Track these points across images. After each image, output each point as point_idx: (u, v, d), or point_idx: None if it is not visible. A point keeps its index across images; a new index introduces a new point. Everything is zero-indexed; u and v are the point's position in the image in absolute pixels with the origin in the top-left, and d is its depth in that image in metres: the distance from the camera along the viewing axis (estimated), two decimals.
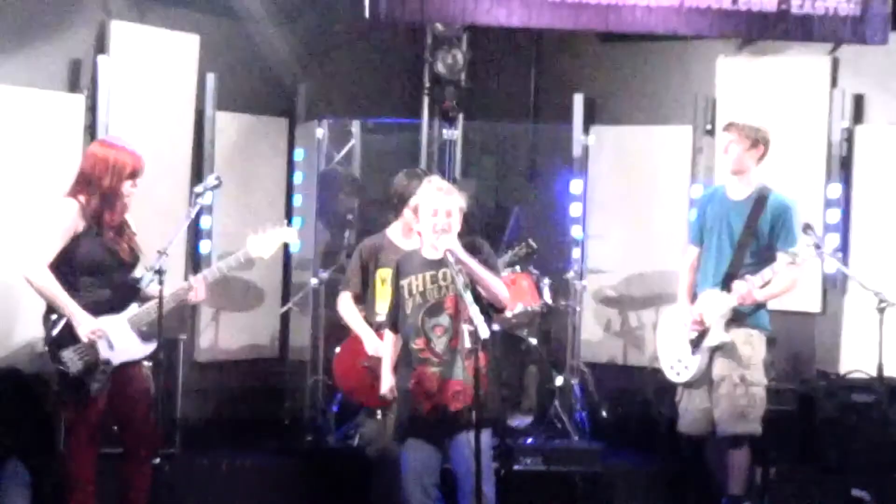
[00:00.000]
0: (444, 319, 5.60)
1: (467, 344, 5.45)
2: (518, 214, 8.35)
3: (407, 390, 5.66)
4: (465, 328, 5.45)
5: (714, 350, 6.44)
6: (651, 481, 7.31)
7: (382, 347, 6.00)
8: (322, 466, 7.12)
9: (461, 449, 5.51)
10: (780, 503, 7.11)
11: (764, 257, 6.37)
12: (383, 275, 6.29)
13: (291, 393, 8.03)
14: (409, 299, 5.66)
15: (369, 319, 6.39)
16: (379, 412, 6.30)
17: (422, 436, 5.64)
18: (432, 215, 5.58)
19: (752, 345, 6.43)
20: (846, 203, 7.98)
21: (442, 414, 5.58)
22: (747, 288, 6.27)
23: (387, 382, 5.84)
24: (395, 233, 6.42)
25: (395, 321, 5.78)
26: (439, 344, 5.60)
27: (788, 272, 6.35)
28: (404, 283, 5.69)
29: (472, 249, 5.64)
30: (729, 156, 6.52)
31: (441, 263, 5.57)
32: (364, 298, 6.46)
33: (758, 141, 6.49)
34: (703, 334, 6.45)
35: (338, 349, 6.67)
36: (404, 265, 5.75)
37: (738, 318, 6.41)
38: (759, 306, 6.44)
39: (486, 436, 5.61)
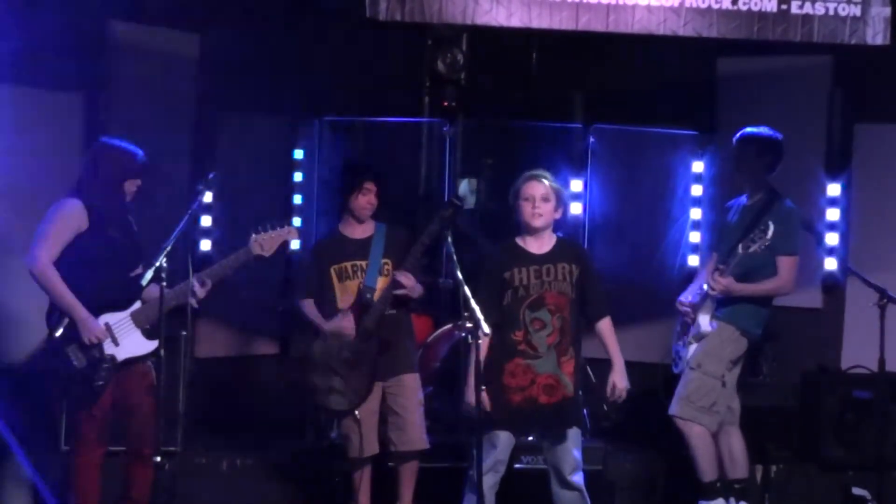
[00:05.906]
0: (544, 315, 5.68)
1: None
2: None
3: (499, 382, 5.70)
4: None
5: (697, 340, 6.53)
6: (653, 479, 7.30)
7: None
8: (323, 464, 7.10)
9: (563, 444, 5.71)
10: (781, 501, 7.12)
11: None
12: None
13: (292, 390, 8.01)
14: (510, 291, 5.72)
15: None
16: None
17: (509, 429, 5.74)
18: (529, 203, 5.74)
19: (720, 338, 6.48)
20: (846, 202, 8.01)
21: (532, 406, 5.67)
22: (716, 279, 6.36)
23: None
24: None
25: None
26: (537, 338, 5.68)
27: (780, 272, 6.41)
28: (507, 275, 5.74)
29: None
30: (740, 166, 6.68)
31: (544, 258, 5.71)
32: None
33: (765, 149, 6.59)
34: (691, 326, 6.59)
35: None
36: (508, 257, 5.80)
37: (717, 311, 6.49)
38: (737, 301, 6.46)
39: (575, 433, 5.79)
